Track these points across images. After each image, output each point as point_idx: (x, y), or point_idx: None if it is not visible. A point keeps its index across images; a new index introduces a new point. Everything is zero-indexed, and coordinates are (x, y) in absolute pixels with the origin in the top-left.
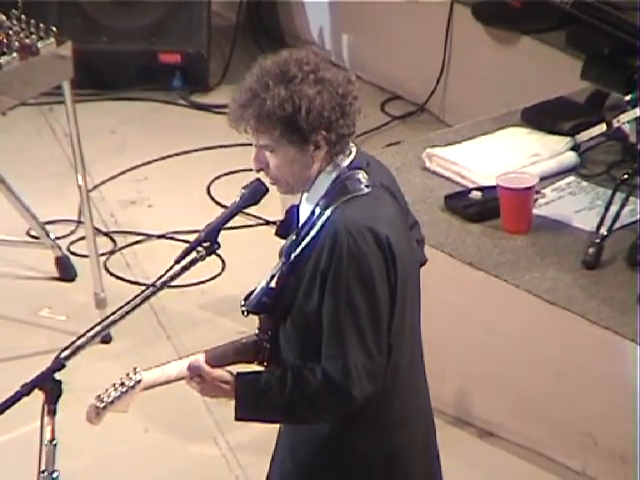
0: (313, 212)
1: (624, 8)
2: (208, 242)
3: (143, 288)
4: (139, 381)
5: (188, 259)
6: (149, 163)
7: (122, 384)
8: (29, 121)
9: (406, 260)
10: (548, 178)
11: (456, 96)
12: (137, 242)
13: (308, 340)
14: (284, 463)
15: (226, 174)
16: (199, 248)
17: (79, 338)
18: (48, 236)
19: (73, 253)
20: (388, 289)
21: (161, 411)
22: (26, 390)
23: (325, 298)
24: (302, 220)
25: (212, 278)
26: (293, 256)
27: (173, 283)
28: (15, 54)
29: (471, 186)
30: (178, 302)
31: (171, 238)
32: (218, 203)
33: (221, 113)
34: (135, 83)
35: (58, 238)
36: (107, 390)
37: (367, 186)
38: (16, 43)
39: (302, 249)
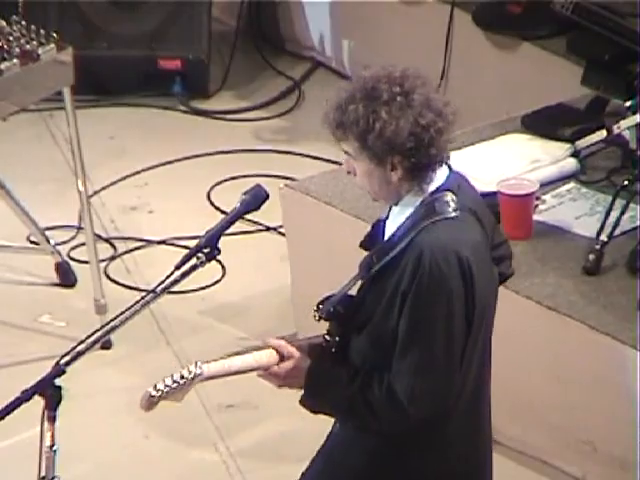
0: (398, 230)
1: (624, 14)
2: (208, 248)
3: (143, 294)
4: (200, 374)
5: (188, 265)
6: (149, 169)
7: (182, 377)
8: (29, 127)
9: (485, 286)
10: (548, 184)
11: (456, 102)
12: (137, 248)
13: (379, 353)
14: (333, 462)
15: (226, 180)
16: (199, 254)
17: (79, 344)
18: (48, 242)
19: (73, 259)
20: (465, 314)
21: (161, 417)
22: (26, 396)
23: (403, 316)
24: (387, 235)
25: (212, 284)
26: (374, 271)
27: (173, 289)
28: (16, 60)
29: None
30: (178, 308)
31: (171, 244)
32: (218, 209)
33: (221, 119)
34: (135, 89)
35: (58, 244)
36: (164, 380)
37: (455, 210)
38: (17, 49)
39: (384, 266)
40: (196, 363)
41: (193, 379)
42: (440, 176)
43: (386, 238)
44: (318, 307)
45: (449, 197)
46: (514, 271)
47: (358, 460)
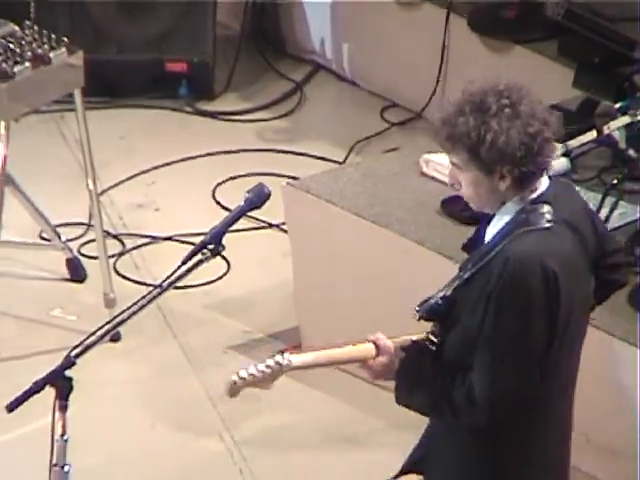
0: (495, 236)
1: (613, 19)
2: (213, 244)
3: (150, 289)
4: (287, 364)
5: (194, 261)
6: (156, 168)
7: (267, 366)
8: (41, 127)
9: (574, 295)
10: None
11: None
12: (145, 244)
13: (468, 350)
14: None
15: (231, 179)
16: (204, 250)
17: (89, 337)
18: (59, 238)
19: (83, 255)
20: (549, 323)
21: (168, 407)
22: (38, 387)
23: (485, 318)
24: (486, 240)
25: (217, 279)
26: (468, 274)
27: (179, 284)
28: (28, 63)
29: None
30: (184, 302)
31: (177, 240)
32: (223, 207)
33: (226, 120)
34: (143, 91)
35: (69, 240)
36: (248, 368)
37: (549, 221)
38: (29, 53)
39: (477, 269)
40: (282, 353)
41: (280, 369)
42: (541, 185)
43: (486, 241)
44: (419, 307)
45: (545, 209)
46: (627, 281)
47: (448, 470)
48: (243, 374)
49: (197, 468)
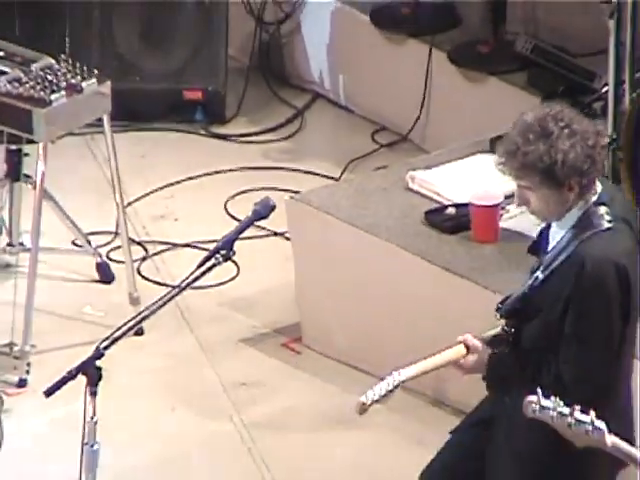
0: (561, 240)
1: (575, 54)
2: (225, 250)
3: (170, 289)
4: (402, 380)
5: (208, 264)
6: (175, 183)
7: (388, 384)
8: (74, 148)
9: (637, 286)
10: (511, 197)
11: (434, 127)
12: (165, 250)
13: (545, 340)
14: (497, 446)
15: (240, 193)
16: (217, 255)
17: (116, 331)
18: (90, 245)
19: (111, 259)
20: (623, 315)
21: (185, 393)
22: (72, 375)
23: (568, 315)
24: (552, 243)
25: (228, 281)
26: (544, 275)
27: (195, 284)
28: (63, 92)
29: (447, 203)
30: (200, 301)
31: (194, 247)
32: (234, 217)
33: (236, 141)
34: (163, 116)
35: (99, 247)
36: (374, 389)
37: (609, 221)
38: (64, 83)
39: (552, 271)
40: (398, 371)
41: (397, 386)
42: (597, 187)
43: (550, 247)
44: (498, 307)
45: (603, 210)
46: None
47: (525, 441)
48: (370, 395)
49: (211, 446)
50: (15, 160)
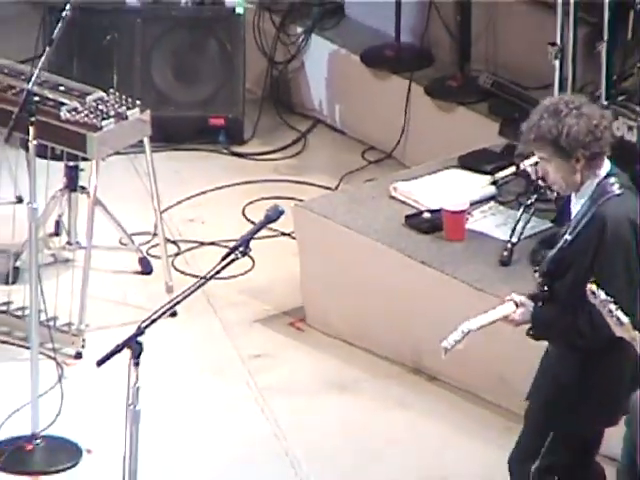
0: (582, 209)
1: (527, 87)
2: (243, 247)
3: (198, 279)
4: (470, 329)
5: (229, 259)
6: (202, 193)
7: (461, 332)
8: (120, 164)
9: None
10: (476, 204)
11: (413, 147)
12: (194, 247)
13: (579, 290)
14: (551, 374)
15: (255, 201)
16: (236, 251)
17: (154, 313)
18: (133, 243)
19: (150, 255)
20: (636, 260)
21: (211, 363)
22: (119, 348)
23: (596, 264)
24: (574, 213)
25: (245, 272)
26: (571, 238)
27: (218, 276)
28: (112, 119)
29: (423, 209)
30: (222, 288)
31: (217, 245)
32: (250, 220)
33: (252, 159)
34: (192, 139)
35: (140, 245)
36: (449, 337)
37: (619, 188)
38: (112, 112)
39: (578, 233)
40: (468, 321)
41: (467, 333)
42: (606, 165)
43: (573, 215)
44: (535, 269)
45: (613, 180)
46: None
47: (570, 370)
48: (450, 341)
49: (230, 406)
50: (73, 174)
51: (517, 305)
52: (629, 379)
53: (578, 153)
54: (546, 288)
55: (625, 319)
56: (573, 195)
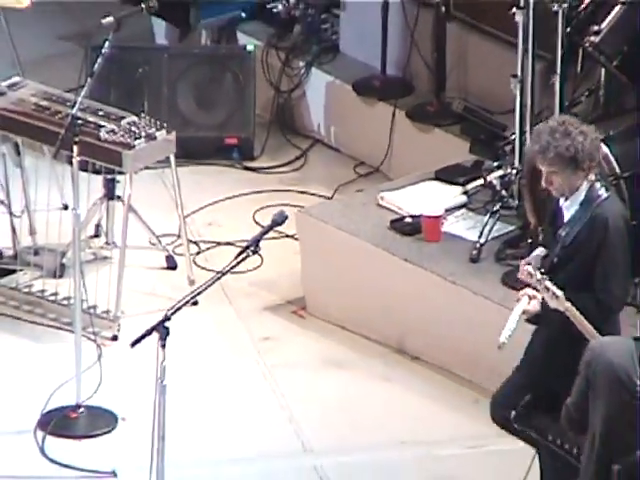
0: (577, 211)
1: (492, 112)
2: (253, 247)
3: (215, 273)
4: (512, 330)
5: (241, 257)
6: (219, 201)
7: (510, 325)
8: (150, 177)
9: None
10: (450, 210)
11: (397, 163)
12: (212, 247)
13: (581, 279)
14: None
15: (264, 207)
16: (248, 250)
17: (178, 302)
18: (161, 243)
19: (175, 253)
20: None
21: (226, 345)
22: (149, 332)
23: (600, 255)
24: (568, 214)
25: (255, 268)
26: (570, 238)
27: (233, 270)
28: (143, 139)
29: (405, 215)
30: (236, 281)
31: (232, 244)
32: (259, 224)
33: (261, 172)
34: (211, 155)
35: (167, 244)
36: (501, 334)
37: (606, 191)
38: (143, 133)
39: (577, 233)
40: (508, 324)
41: (513, 330)
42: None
43: (568, 216)
44: (541, 270)
45: (599, 185)
46: None
47: (557, 344)
48: (503, 339)
49: (242, 381)
50: (110, 185)
51: (530, 298)
52: None
53: (587, 165)
54: (550, 278)
55: (559, 293)
56: (562, 200)
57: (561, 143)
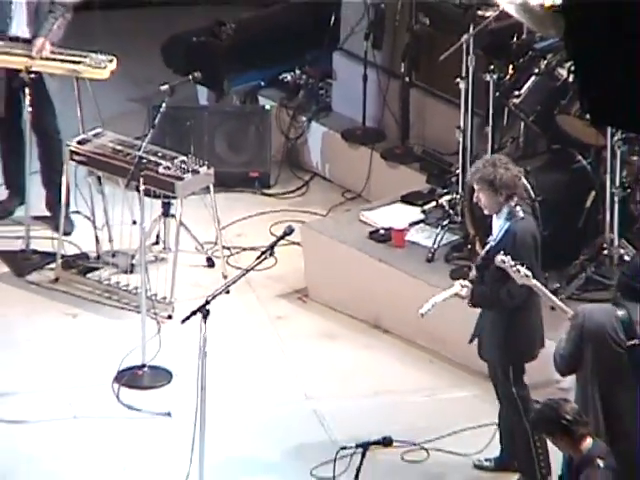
0: (501, 227)
1: (443, 153)
2: (270, 251)
3: (242, 270)
4: (435, 303)
5: (261, 258)
6: (244, 219)
7: (432, 302)
8: (194, 202)
9: (538, 245)
10: (412, 224)
11: (374, 190)
12: (239, 252)
13: (498, 276)
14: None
15: (277, 222)
16: (266, 253)
17: (216, 291)
18: (203, 248)
19: (214, 256)
20: (536, 257)
21: (249, 322)
22: (194, 313)
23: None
24: (495, 229)
25: (270, 267)
26: (494, 244)
27: (255, 268)
28: (190, 173)
29: (380, 227)
30: (257, 276)
31: (254, 249)
32: (274, 235)
33: (275, 197)
34: (239, 185)
35: (207, 249)
36: (423, 306)
37: (523, 212)
38: (190, 168)
39: (497, 242)
40: (434, 298)
41: (435, 304)
42: (516, 198)
43: (496, 229)
44: (470, 266)
45: (519, 208)
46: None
47: (497, 322)
48: (425, 310)
49: (261, 350)
50: (166, 207)
51: (462, 286)
52: (538, 326)
53: (503, 192)
54: (478, 275)
55: (528, 273)
56: (495, 216)
57: (486, 170)
